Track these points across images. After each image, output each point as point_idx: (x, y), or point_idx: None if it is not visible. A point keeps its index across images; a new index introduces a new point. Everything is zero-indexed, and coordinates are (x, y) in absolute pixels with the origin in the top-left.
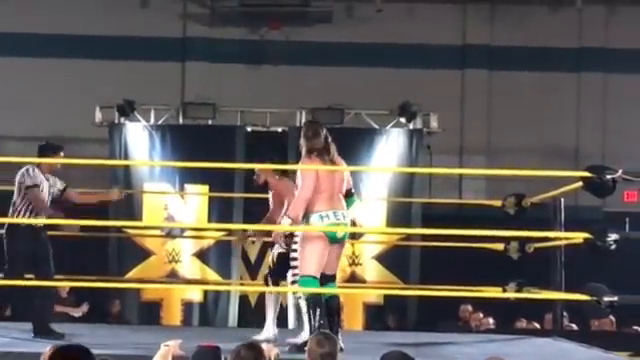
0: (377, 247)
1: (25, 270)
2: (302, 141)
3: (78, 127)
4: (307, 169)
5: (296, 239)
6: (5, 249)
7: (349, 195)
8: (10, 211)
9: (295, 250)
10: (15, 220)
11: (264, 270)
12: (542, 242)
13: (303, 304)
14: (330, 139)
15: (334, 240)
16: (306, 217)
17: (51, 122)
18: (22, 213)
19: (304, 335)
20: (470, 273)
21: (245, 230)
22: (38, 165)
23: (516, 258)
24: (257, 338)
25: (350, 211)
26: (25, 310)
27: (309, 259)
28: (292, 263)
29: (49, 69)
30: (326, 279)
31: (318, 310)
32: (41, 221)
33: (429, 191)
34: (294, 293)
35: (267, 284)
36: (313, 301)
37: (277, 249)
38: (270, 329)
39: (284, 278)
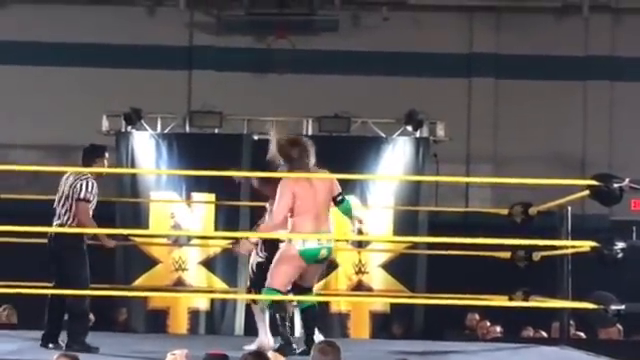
0: (384, 255)
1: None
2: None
3: (85, 135)
4: (283, 188)
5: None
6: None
7: (340, 201)
8: (60, 221)
9: None
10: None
11: None
12: (549, 250)
13: (266, 312)
14: (309, 153)
15: (311, 262)
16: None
17: (58, 130)
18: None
19: (258, 341)
20: (477, 281)
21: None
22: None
23: (523, 266)
24: (248, 348)
25: (345, 218)
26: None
27: (279, 275)
28: None
29: (56, 77)
30: (303, 291)
31: (283, 316)
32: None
33: (436, 199)
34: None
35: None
36: (276, 308)
37: (255, 259)
38: (264, 339)
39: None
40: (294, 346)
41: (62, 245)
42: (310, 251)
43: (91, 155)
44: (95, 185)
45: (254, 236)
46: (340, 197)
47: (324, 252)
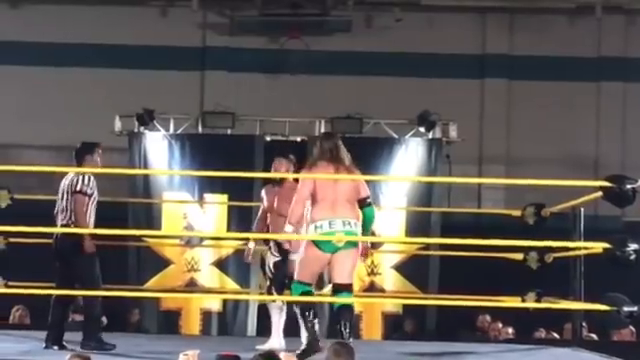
0: (396, 257)
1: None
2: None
3: (97, 136)
4: (305, 178)
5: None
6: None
7: (365, 205)
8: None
9: None
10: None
11: None
12: (561, 252)
13: (297, 311)
14: (339, 149)
15: (329, 249)
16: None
17: (70, 131)
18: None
19: (270, 342)
20: (489, 283)
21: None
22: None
23: (535, 268)
24: (261, 348)
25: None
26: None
27: (300, 267)
28: None
29: (69, 78)
30: (337, 289)
31: (309, 314)
32: (38, 229)
33: (448, 201)
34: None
35: (270, 295)
36: (301, 306)
37: (271, 258)
38: (276, 339)
39: (284, 286)
40: (320, 344)
41: (67, 245)
42: (322, 235)
43: (81, 153)
44: (92, 179)
45: (265, 237)
46: (367, 200)
47: (339, 236)
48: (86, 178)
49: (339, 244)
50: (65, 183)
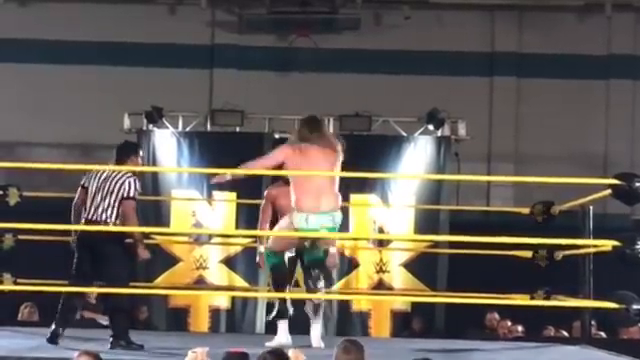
0: (405, 254)
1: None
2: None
3: (106, 134)
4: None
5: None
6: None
7: None
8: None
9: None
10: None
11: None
12: (570, 250)
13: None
14: (323, 134)
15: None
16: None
17: (79, 128)
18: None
19: (277, 339)
20: (498, 280)
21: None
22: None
23: (544, 266)
24: (269, 345)
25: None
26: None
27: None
28: None
29: (78, 76)
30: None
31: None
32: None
33: (457, 198)
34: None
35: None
36: (274, 278)
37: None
38: (283, 336)
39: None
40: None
41: (105, 242)
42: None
43: (127, 152)
44: (139, 183)
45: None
46: None
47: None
48: (138, 183)
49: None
50: (113, 182)
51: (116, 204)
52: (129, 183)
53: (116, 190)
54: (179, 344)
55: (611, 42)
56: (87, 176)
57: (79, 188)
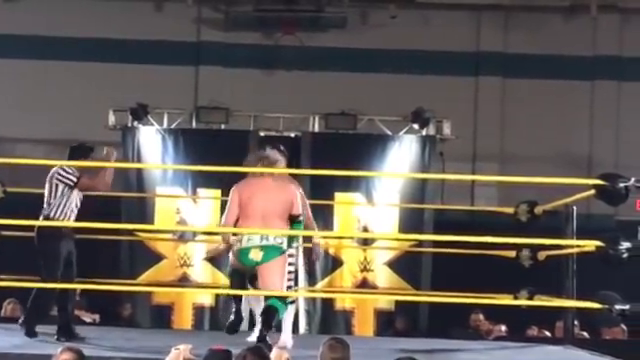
0: (389, 253)
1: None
2: None
3: (91, 130)
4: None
5: (291, 251)
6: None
7: (295, 222)
8: (45, 213)
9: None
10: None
11: None
12: (554, 250)
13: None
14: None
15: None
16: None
17: (64, 125)
18: (58, 214)
19: (282, 339)
20: (481, 280)
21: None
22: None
23: (528, 266)
24: (250, 340)
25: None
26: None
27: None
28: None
29: (63, 72)
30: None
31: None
32: (31, 223)
33: (441, 198)
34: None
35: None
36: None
37: None
38: (287, 337)
39: None
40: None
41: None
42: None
43: (77, 155)
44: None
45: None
46: (298, 218)
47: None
48: (68, 169)
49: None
50: (48, 179)
51: (51, 200)
52: (57, 172)
53: (48, 186)
54: (162, 342)
55: (596, 43)
56: None
57: None
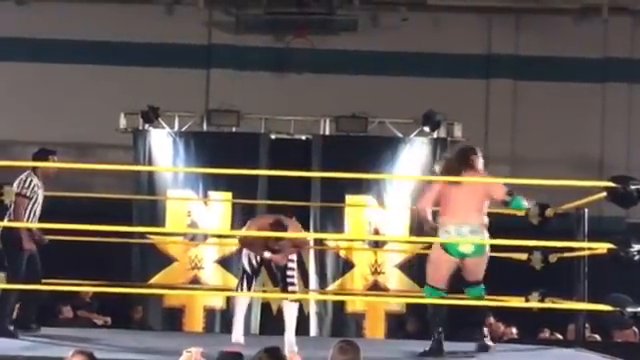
0: (400, 256)
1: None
2: None
3: (102, 133)
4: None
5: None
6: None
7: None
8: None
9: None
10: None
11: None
12: (565, 252)
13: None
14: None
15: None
16: None
17: (75, 128)
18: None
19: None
20: (493, 283)
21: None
22: (34, 171)
23: (539, 268)
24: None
25: None
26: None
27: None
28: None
29: (74, 75)
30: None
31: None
32: (42, 225)
33: None
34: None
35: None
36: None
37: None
38: (291, 336)
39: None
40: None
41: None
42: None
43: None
44: (33, 181)
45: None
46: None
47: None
48: (27, 180)
49: (464, 249)
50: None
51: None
52: (19, 180)
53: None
54: (174, 344)
55: (607, 45)
56: None
57: None
